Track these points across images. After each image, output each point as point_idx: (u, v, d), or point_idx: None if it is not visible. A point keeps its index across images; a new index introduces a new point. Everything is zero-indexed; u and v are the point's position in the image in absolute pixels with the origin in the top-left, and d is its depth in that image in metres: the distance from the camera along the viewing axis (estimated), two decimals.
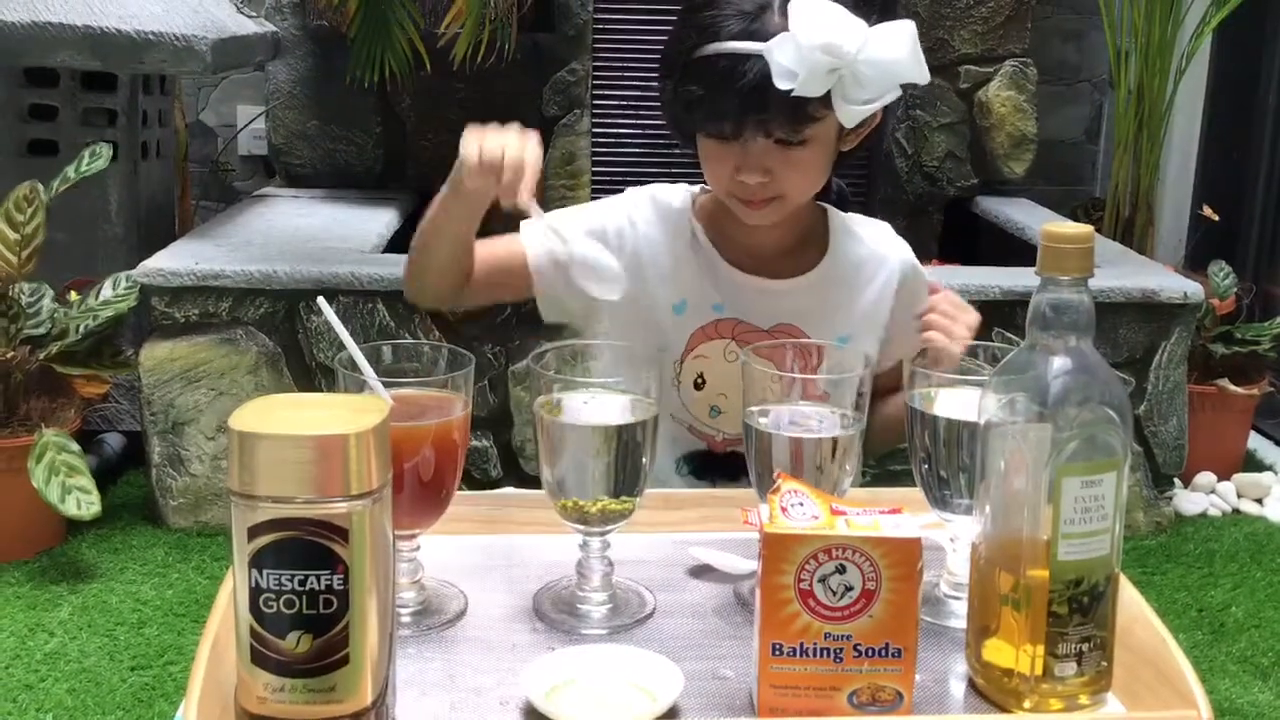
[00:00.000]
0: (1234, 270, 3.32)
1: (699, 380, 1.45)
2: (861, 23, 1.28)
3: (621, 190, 1.51)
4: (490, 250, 1.44)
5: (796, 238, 1.48)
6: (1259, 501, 3.15)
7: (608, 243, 1.43)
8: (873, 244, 1.51)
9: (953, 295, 1.38)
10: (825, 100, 1.28)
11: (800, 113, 1.30)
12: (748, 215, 1.40)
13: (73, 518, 2.48)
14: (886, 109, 1.36)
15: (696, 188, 1.50)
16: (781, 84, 1.26)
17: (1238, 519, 3.07)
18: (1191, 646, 2.42)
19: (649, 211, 1.47)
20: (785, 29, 1.27)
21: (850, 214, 1.54)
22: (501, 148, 1.24)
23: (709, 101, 1.34)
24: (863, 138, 1.41)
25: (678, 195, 1.49)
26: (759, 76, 1.28)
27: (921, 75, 1.29)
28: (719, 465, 1.47)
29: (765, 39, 1.28)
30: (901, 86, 1.30)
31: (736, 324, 1.44)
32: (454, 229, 1.38)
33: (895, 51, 1.28)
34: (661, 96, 1.43)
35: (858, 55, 1.26)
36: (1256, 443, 3.46)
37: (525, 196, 1.24)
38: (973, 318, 1.35)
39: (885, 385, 1.41)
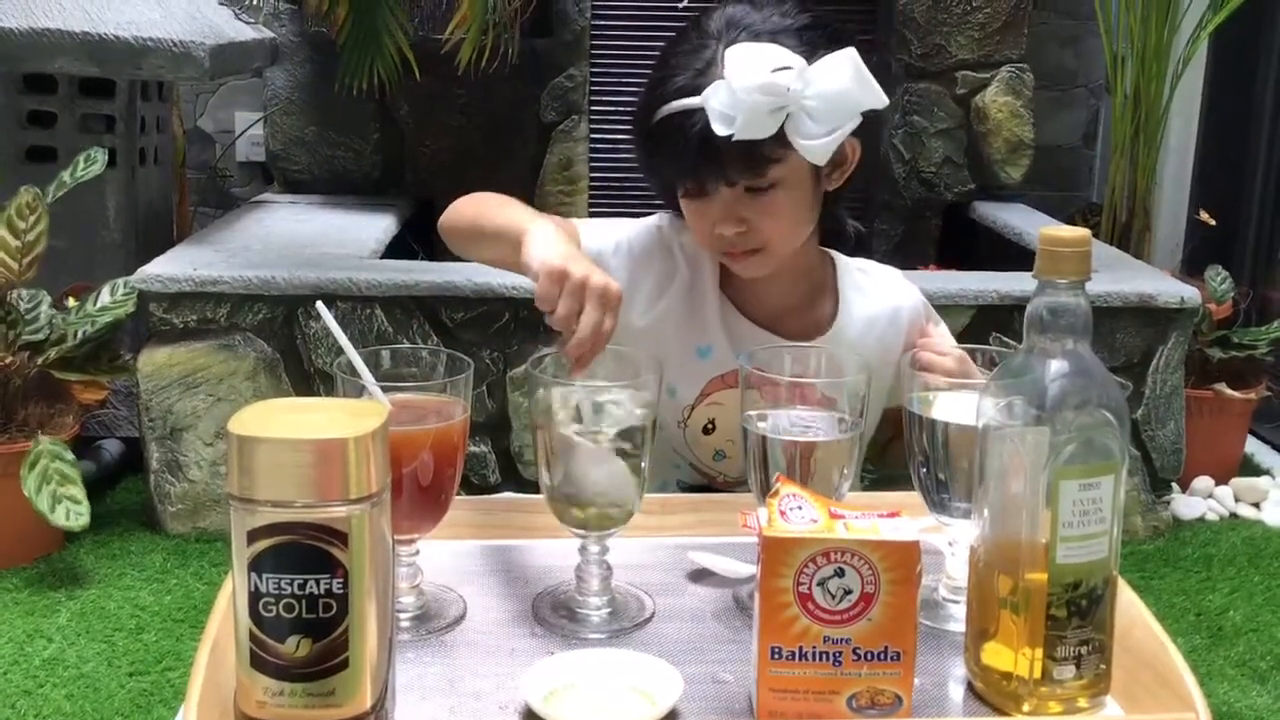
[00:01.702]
0: (1231, 274, 3.32)
1: (709, 426, 1.42)
2: (800, 59, 1.24)
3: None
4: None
5: (804, 292, 1.45)
6: (1256, 506, 3.15)
7: (633, 262, 1.41)
8: (883, 298, 1.47)
9: (935, 343, 1.32)
10: (780, 140, 1.25)
11: (754, 156, 1.27)
12: (736, 269, 1.38)
13: (61, 528, 2.48)
14: (869, 145, 1.35)
15: None
16: (720, 130, 1.23)
17: (1235, 523, 3.07)
18: (1190, 650, 2.42)
19: (676, 247, 1.43)
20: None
21: (857, 260, 1.50)
22: (588, 320, 1.10)
23: (667, 162, 1.34)
24: (848, 175, 1.37)
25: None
26: (704, 128, 1.25)
27: (876, 99, 1.25)
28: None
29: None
30: (863, 114, 1.26)
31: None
32: (495, 258, 1.36)
33: (839, 82, 1.24)
34: (639, 164, 1.42)
35: (803, 91, 1.23)
36: (1254, 447, 3.46)
37: (580, 372, 1.10)
38: (950, 364, 1.24)
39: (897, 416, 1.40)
